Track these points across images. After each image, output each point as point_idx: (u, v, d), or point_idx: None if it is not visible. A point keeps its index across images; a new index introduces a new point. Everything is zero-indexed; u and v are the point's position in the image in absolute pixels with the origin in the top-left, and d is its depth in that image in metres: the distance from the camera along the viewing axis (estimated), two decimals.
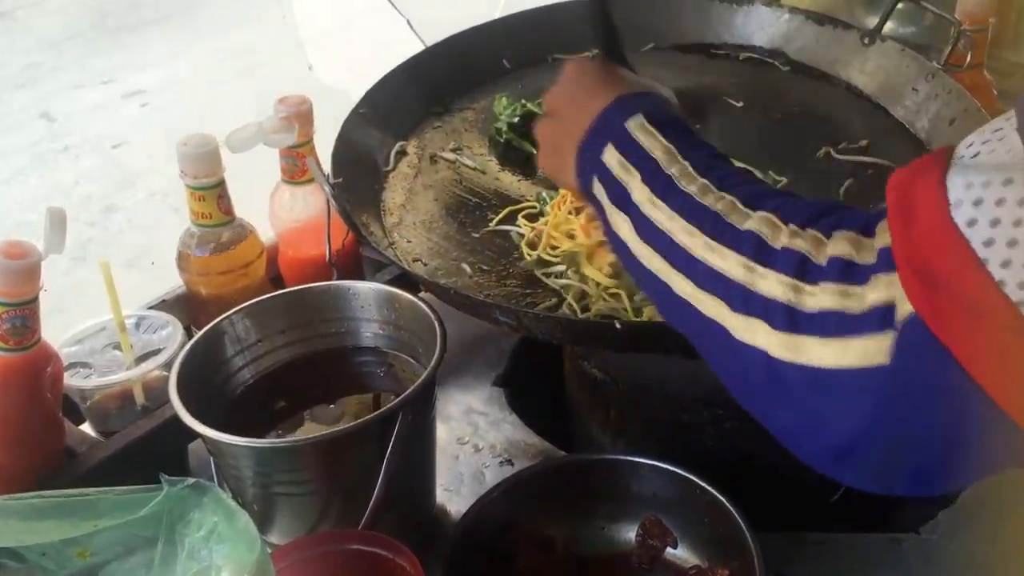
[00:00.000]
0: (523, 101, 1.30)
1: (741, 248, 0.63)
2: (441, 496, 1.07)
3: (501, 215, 1.15)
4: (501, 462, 1.13)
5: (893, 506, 1.06)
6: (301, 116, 1.19)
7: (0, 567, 0.80)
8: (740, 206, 0.65)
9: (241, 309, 1.02)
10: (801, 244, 0.60)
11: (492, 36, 1.41)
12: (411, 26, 1.34)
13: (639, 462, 0.98)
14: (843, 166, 1.17)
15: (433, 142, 1.30)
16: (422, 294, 1.08)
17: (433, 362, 0.93)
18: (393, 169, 1.24)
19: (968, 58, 1.35)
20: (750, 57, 1.39)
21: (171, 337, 1.11)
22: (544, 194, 1.16)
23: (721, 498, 0.93)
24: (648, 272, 0.70)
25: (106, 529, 0.78)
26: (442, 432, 1.15)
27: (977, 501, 1.02)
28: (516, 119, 1.28)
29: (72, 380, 1.06)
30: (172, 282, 1.22)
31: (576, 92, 0.82)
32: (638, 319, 0.92)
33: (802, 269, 0.59)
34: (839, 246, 0.59)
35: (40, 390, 0.97)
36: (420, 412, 0.93)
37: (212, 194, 1.12)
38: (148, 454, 1.04)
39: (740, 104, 1.30)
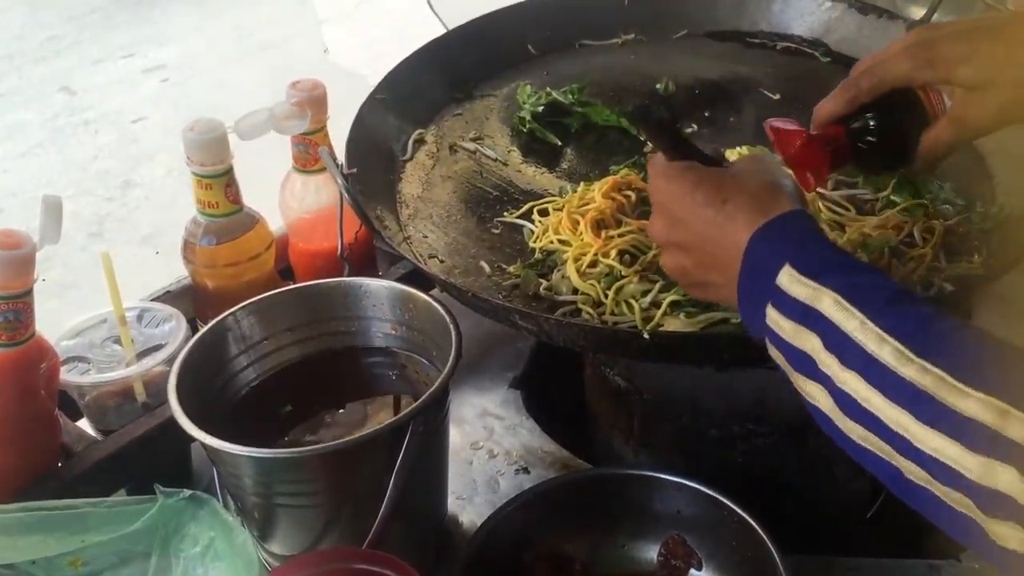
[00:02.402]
0: (548, 89, 1.25)
1: (971, 441, 0.56)
2: (453, 505, 1.03)
3: (522, 210, 1.09)
4: (517, 470, 1.08)
5: (931, 530, 1.00)
6: (314, 102, 1.13)
7: None
8: (950, 380, 0.58)
9: (246, 305, 0.97)
10: None
11: (517, 20, 1.36)
12: (432, 7, 1.29)
13: (663, 478, 0.94)
14: None
15: (453, 131, 1.24)
16: (436, 291, 1.02)
17: (447, 369, 0.88)
18: (410, 158, 1.19)
19: None
20: (788, 47, 1.34)
21: (174, 332, 1.06)
22: (568, 187, 1.10)
23: (750, 519, 0.88)
24: (869, 452, 0.63)
25: (96, 544, 0.74)
26: (455, 436, 1.10)
27: None
28: (540, 108, 1.23)
29: (69, 376, 1.01)
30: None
31: (694, 217, 0.74)
32: (662, 329, 0.86)
33: None
34: None
35: (34, 387, 0.93)
36: (432, 420, 0.88)
37: (219, 182, 1.07)
38: (148, 454, 1.00)
39: (776, 97, 1.24)
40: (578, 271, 0.94)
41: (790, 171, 0.83)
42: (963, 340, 0.61)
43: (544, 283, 0.96)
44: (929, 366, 0.59)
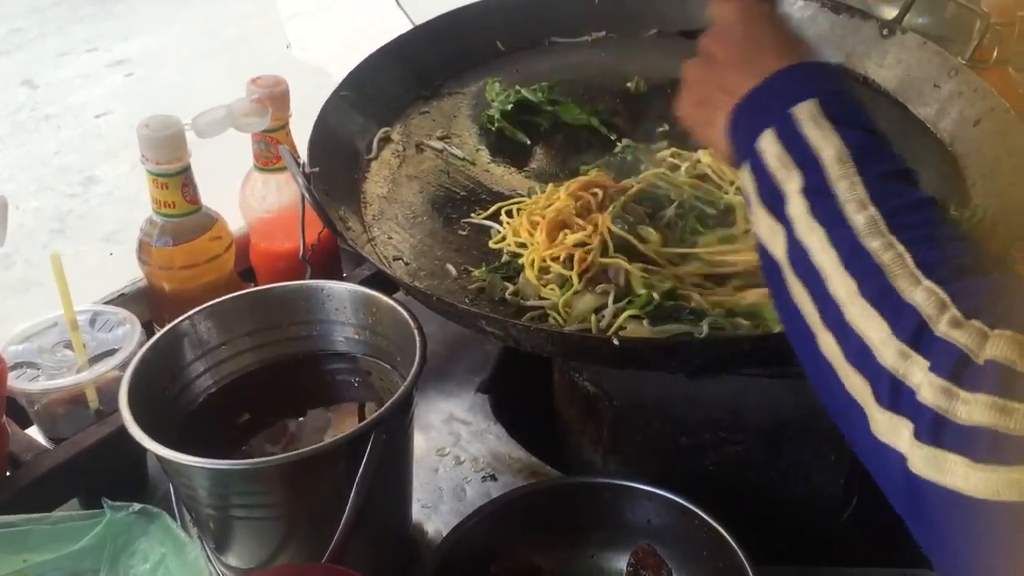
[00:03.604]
0: (517, 87, 1.22)
1: (900, 325, 0.54)
2: (418, 513, 1.00)
3: (489, 211, 1.06)
4: (484, 477, 1.05)
5: (906, 537, 0.98)
6: (275, 98, 1.10)
7: None
8: (910, 264, 0.55)
9: (203, 309, 0.93)
10: (960, 337, 0.51)
11: (486, 16, 1.33)
12: (399, 3, 1.26)
13: (634, 487, 0.92)
14: None
15: (420, 129, 1.21)
16: (401, 294, 1.00)
17: (411, 376, 0.85)
18: (375, 157, 1.16)
19: (995, 54, 1.26)
20: None
21: (128, 336, 1.02)
22: (536, 188, 1.07)
23: (720, 529, 0.87)
24: (793, 306, 0.61)
25: (39, 564, 0.70)
26: (420, 442, 1.07)
27: None
28: (509, 106, 1.20)
29: (17, 382, 0.97)
30: None
31: (741, 40, 0.73)
32: (635, 336, 0.84)
33: (959, 370, 0.50)
34: (1000, 346, 0.49)
35: None
36: (396, 429, 0.85)
37: (176, 181, 1.04)
38: (101, 463, 0.96)
39: None
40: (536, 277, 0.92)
41: None
42: (943, 233, 0.59)
43: (510, 287, 0.93)
44: (896, 242, 0.57)
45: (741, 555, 0.84)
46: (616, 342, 0.81)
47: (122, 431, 0.91)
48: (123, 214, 2.68)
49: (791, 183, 0.63)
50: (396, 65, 1.24)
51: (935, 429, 0.50)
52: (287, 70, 1.18)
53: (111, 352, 1.02)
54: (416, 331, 0.89)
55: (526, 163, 1.16)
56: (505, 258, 0.98)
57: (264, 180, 1.16)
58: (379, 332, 0.96)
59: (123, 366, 0.98)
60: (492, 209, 1.06)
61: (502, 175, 1.14)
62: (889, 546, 0.99)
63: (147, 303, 1.13)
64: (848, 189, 0.60)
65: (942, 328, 0.52)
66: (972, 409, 0.49)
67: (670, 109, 1.20)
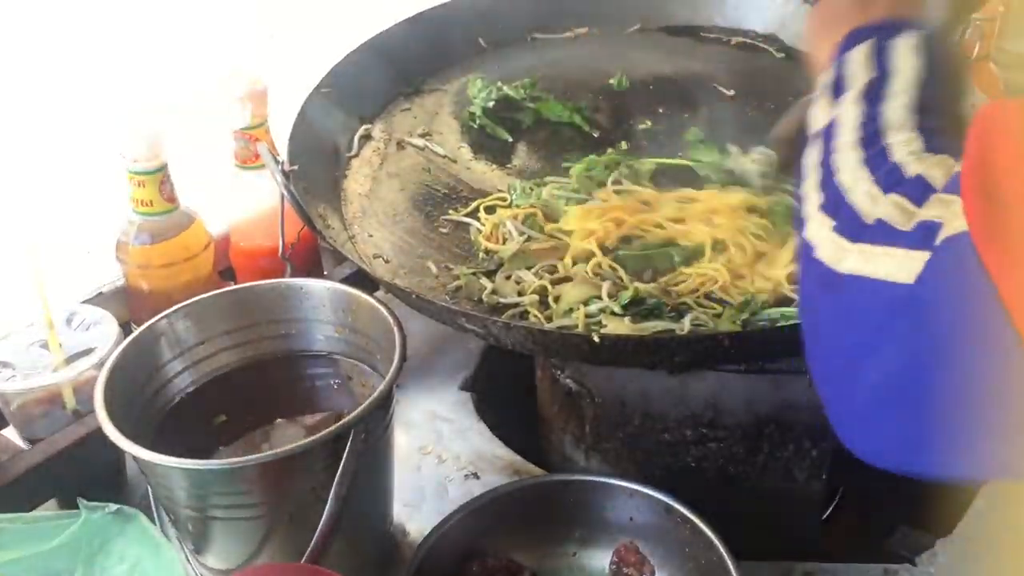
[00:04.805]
0: (499, 84, 1.22)
1: (877, 176, 0.60)
2: (400, 512, 0.99)
3: (470, 208, 1.05)
4: (466, 475, 1.05)
5: (887, 533, 0.99)
6: (254, 95, 1.09)
7: None
8: (916, 148, 0.60)
9: (180, 308, 0.92)
10: (919, 165, 0.58)
11: (467, 12, 1.33)
12: None
13: (615, 484, 0.91)
14: None
15: (401, 126, 1.21)
16: (380, 293, 0.99)
17: (390, 374, 0.84)
18: (356, 155, 1.15)
19: (976, 49, 1.26)
20: (743, 42, 1.32)
21: (105, 335, 1.01)
22: (517, 184, 1.07)
23: (702, 525, 0.87)
24: (802, 176, 0.66)
25: (11, 562, 0.69)
26: (403, 440, 1.07)
27: (976, 531, 0.94)
28: (491, 103, 1.20)
29: None
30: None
31: None
32: (616, 333, 0.83)
33: (893, 180, 0.58)
34: (930, 165, 0.57)
35: None
36: (375, 429, 0.84)
37: (154, 179, 1.03)
38: (79, 464, 0.95)
39: (731, 93, 1.22)
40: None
41: None
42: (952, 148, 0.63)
43: (488, 287, 0.93)
44: (915, 136, 0.61)
45: (723, 551, 0.84)
46: (596, 339, 0.80)
47: (99, 431, 0.90)
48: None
49: (859, 80, 0.67)
50: (377, 62, 1.23)
51: (851, 224, 0.57)
52: (266, 65, 1.17)
53: (88, 352, 1.00)
54: (396, 329, 0.88)
55: (508, 160, 1.15)
56: (482, 256, 0.98)
57: (244, 178, 1.15)
58: (359, 331, 0.95)
59: (99, 366, 0.97)
60: (473, 206, 1.05)
61: (484, 172, 1.13)
62: (870, 541, 0.99)
63: (125, 302, 1.11)
64: (903, 91, 0.64)
65: (915, 167, 0.58)
66: (881, 208, 0.56)
67: (652, 105, 1.21)
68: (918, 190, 0.56)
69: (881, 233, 0.55)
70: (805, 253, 0.61)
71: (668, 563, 0.89)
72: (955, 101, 0.70)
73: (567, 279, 0.92)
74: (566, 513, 0.92)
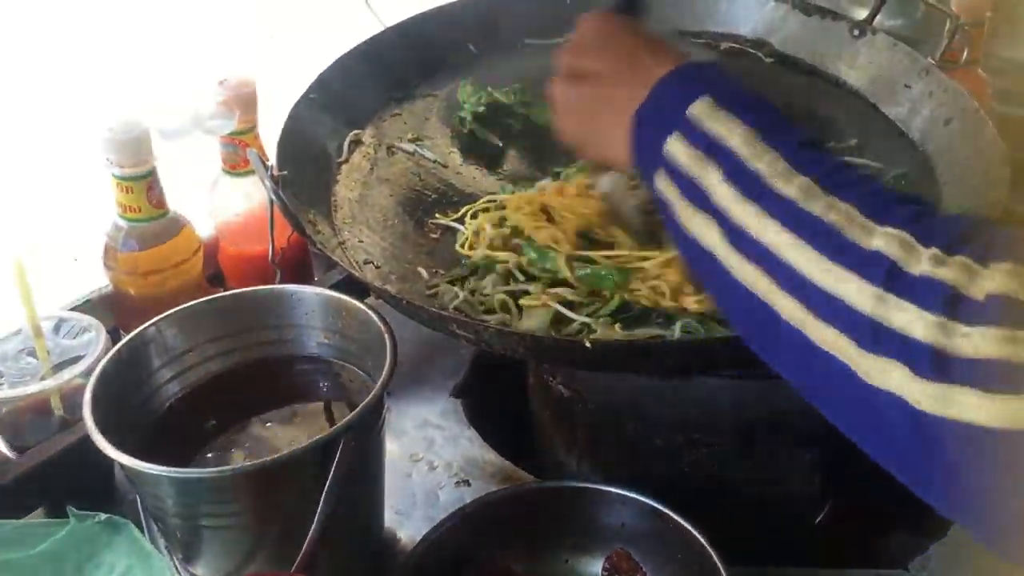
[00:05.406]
0: (489, 89, 1.21)
1: (868, 273, 0.53)
2: (390, 519, 0.98)
3: (460, 213, 1.05)
4: (458, 482, 1.04)
5: (881, 538, 0.99)
6: (243, 100, 1.08)
7: None
8: (859, 217, 0.55)
9: (169, 315, 0.92)
10: (947, 274, 0.51)
11: (458, 17, 1.32)
12: (369, 4, 1.25)
13: (608, 491, 0.91)
14: None
15: (391, 131, 1.20)
16: (372, 298, 0.98)
17: (381, 380, 0.84)
18: (346, 160, 1.14)
19: (964, 54, 1.27)
20: (732, 47, 1.31)
21: (93, 343, 1.00)
22: (509, 189, 1.07)
23: (695, 532, 0.86)
24: (743, 290, 0.59)
25: None
26: (393, 448, 1.06)
27: (970, 536, 0.94)
28: (481, 108, 1.19)
29: None
30: None
31: (613, 51, 0.72)
32: (607, 339, 0.83)
33: (952, 305, 0.50)
34: (1000, 280, 0.49)
35: None
36: (366, 436, 0.84)
37: (141, 185, 1.02)
38: (67, 472, 0.94)
39: None
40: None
41: None
42: (880, 187, 0.59)
43: (461, 296, 0.92)
44: (839, 202, 0.56)
45: (715, 557, 0.83)
46: (588, 344, 0.80)
47: (88, 440, 0.90)
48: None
49: (710, 176, 0.61)
50: (367, 67, 1.23)
51: (937, 364, 0.49)
52: (257, 68, 1.16)
53: (76, 359, 1.00)
54: (387, 335, 0.88)
55: (498, 165, 1.15)
56: (464, 262, 0.97)
57: (233, 184, 1.14)
58: (349, 337, 0.94)
59: (87, 373, 0.96)
60: (462, 211, 1.05)
61: (474, 177, 1.13)
62: (864, 547, 0.99)
63: (113, 309, 1.11)
64: (769, 164, 0.59)
65: (923, 267, 0.52)
66: (978, 342, 0.48)
67: None
68: (1006, 316, 0.49)
69: (1001, 374, 0.48)
70: (877, 407, 0.52)
71: (661, 569, 0.89)
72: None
73: (526, 292, 0.91)
74: (558, 520, 0.91)
